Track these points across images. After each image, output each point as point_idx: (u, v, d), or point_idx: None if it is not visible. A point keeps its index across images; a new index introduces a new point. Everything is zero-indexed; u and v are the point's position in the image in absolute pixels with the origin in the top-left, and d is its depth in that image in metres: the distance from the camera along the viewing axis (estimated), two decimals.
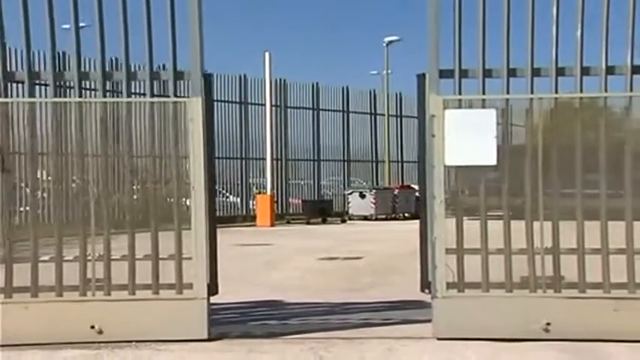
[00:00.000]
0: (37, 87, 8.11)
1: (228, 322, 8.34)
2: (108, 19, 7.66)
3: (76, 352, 7.03)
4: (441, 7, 7.50)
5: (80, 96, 7.75)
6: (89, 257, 7.54)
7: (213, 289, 7.64)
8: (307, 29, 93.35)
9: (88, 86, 8.03)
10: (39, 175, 7.80)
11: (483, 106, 7.54)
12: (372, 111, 36.63)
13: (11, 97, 8.03)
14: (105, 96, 7.81)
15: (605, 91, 7.51)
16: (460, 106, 7.56)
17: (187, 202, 7.55)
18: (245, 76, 31.40)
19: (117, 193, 7.80)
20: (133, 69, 7.87)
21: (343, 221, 30.46)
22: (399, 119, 37.08)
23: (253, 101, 31.41)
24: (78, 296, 7.51)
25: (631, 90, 7.48)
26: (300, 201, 32.03)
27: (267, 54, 29.73)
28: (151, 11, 7.66)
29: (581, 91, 7.51)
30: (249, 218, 29.09)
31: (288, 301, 9.67)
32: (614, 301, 7.27)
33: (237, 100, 31.01)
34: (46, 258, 7.59)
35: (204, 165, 7.52)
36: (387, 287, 11.01)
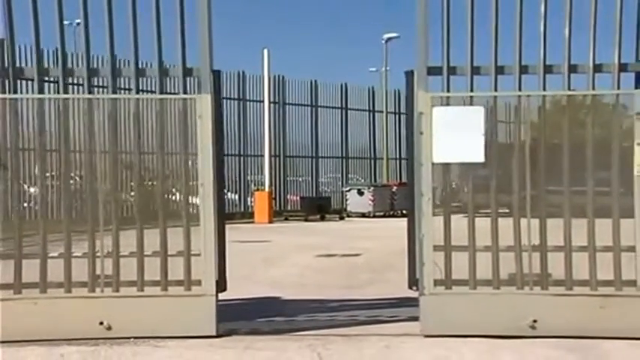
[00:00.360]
0: (46, 84, 8.06)
1: (236, 318, 8.26)
2: (117, 15, 7.67)
3: (74, 349, 7.04)
4: (430, 4, 7.50)
5: (90, 93, 7.77)
6: (98, 254, 7.55)
7: (221, 285, 7.65)
8: (306, 26, 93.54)
9: (97, 83, 8.06)
10: (48, 172, 7.78)
11: (471, 104, 7.56)
12: (371, 108, 36.61)
13: (20, 93, 8.04)
14: (114, 93, 7.79)
15: (593, 88, 7.53)
16: (448, 104, 7.58)
17: (196, 200, 7.53)
18: (243, 72, 31.35)
19: (125, 190, 7.81)
20: (141, 66, 7.85)
21: (341, 218, 30.40)
22: (397, 116, 36.98)
23: (251, 98, 31.35)
24: (87, 292, 7.51)
25: (618, 88, 7.50)
26: (298, 198, 31.95)
27: (265, 51, 29.73)
28: (160, 7, 7.65)
29: (569, 88, 7.54)
30: (247, 215, 29.02)
31: (287, 298, 9.70)
32: (601, 299, 7.29)
33: (236, 96, 30.95)
34: (55, 254, 7.59)
35: (212, 162, 7.51)
36: (385, 284, 11.00)
